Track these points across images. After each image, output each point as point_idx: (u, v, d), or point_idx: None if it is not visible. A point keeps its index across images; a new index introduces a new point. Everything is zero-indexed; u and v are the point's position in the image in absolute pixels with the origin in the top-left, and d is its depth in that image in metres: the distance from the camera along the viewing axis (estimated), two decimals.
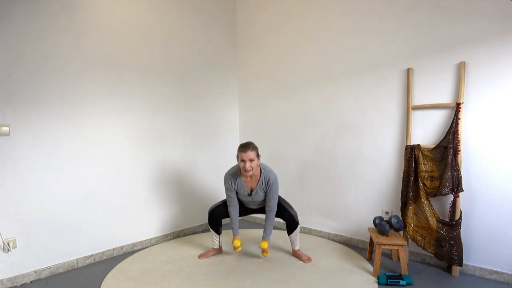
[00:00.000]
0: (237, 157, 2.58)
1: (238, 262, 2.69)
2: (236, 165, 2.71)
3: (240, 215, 2.84)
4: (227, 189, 2.70)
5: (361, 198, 3.06)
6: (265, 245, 2.62)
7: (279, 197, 2.76)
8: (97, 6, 2.80)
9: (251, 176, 2.62)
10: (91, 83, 2.76)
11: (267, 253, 2.70)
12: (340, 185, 3.20)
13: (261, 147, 3.76)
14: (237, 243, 2.66)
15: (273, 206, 2.66)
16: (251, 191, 2.68)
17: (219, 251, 2.87)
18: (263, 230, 2.89)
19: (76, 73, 2.68)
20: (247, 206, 2.83)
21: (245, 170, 2.51)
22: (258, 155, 2.58)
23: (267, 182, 2.61)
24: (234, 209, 2.74)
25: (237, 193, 2.73)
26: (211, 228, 2.79)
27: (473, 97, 2.44)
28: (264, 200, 2.73)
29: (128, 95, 3.01)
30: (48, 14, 2.52)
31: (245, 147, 2.52)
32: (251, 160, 2.50)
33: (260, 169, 2.64)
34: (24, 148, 2.42)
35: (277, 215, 2.75)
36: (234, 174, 2.66)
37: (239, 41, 4.07)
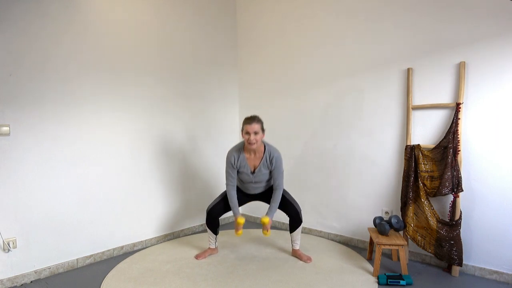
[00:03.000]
0: (242, 130, 2.53)
1: (238, 262, 2.69)
2: (241, 142, 2.65)
3: (240, 204, 2.77)
4: (228, 166, 2.62)
5: (361, 198, 3.06)
6: (266, 220, 2.52)
7: (284, 190, 2.75)
8: (97, 6, 2.80)
9: (254, 153, 2.58)
10: (91, 83, 2.76)
11: (267, 231, 2.57)
12: (340, 185, 3.20)
13: None
14: (242, 220, 2.58)
15: (279, 184, 2.62)
16: (254, 169, 2.62)
17: (215, 251, 2.87)
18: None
19: (76, 73, 2.68)
20: (247, 191, 2.75)
21: (250, 143, 2.47)
22: (263, 129, 2.53)
23: (271, 159, 2.57)
24: (233, 188, 2.66)
25: (239, 172, 2.65)
26: (209, 228, 2.79)
27: (473, 97, 2.44)
28: (268, 180, 2.69)
29: (128, 95, 3.01)
30: (48, 14, 2.52)
31: (250, 119, 2.49)
32: (255, 133, 2.46)
33: (264, 146, 2.61)
34: (24, 148, 2.42)
35: (281, 209, 2.73)
36: (238, 150, 2.61)
37: (239, 41, 4.07)
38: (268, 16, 3.75)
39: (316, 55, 3.34)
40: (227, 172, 2.66)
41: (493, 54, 2.35)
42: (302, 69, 3.46)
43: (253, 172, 2.62)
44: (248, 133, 2.47)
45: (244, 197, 2.82)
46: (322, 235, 3.36)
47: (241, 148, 2.62)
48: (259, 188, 2.73)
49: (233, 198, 2.67)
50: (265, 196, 2.80)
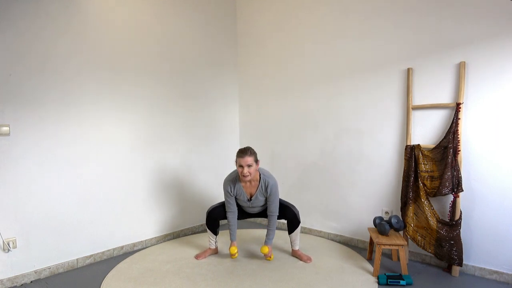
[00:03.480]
0: (236, 162, 2.58)
1: (238, 262, 2.69)
2: (235, 170, 2.71)
3: (239, 219, 2.86)
4: (226, 195, 2.71)
5: (361, 198, 3.06)
6: (265, 250, 2.63)
7: (280, 198, 2.78)
8: (97, 6, 2.80)
9: (250, 182, 2.64)
10: (90, 83, 2.76)
11: (270, 257, 2.71)
12: (340, 185, 3.20)
13: (261, 147, 3.77)
14: (234, 250, 2.69)
15: (274, 210, 2.68)
16: (251, 196, 2.69)
17: (215, 251, 2.88)
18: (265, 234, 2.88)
19: (76, 73, 2.68)
20: (246, 211, 2.84)
21: (243, 176, 2.53)
22: (256, 160, 2.58)
23: (267, 187, 2.62)
24: (232, 215, 2.75)
25: (236, 199, 2.74)
26: (209, 228, 2.81)
27: (473, 97, 2.44)
28: (264, 205, 2.75)
29: (127, 95, 3.01)
30: (47, 14, 2.52)
31: (243, 152, 2.53)
32: (249, 166, 2.51)
33: (259, 174, 2.65)
34: (24, 148, 2.42)
35: (279, 216, 2.76)
36: (234, 180, 2.67)
37: (239, 41, 4.07)
38: (269, 16, 3.75)
39: (316, 55, 3.34)
40: (225, 200, 2.74)
41: (493, 54, 2.35)
42: (302, 69, 3.46)
43: (249, 200, 2.70)
44: (241, 166, 2.52)
45: (244, 215, 2.89)
46: (322, 235, 3.36)
47: (236, 177, 2.68)
48: (257, 209, 2.81)
49: (232, 226, 2.77)
50: (265, 214, 2.84)
